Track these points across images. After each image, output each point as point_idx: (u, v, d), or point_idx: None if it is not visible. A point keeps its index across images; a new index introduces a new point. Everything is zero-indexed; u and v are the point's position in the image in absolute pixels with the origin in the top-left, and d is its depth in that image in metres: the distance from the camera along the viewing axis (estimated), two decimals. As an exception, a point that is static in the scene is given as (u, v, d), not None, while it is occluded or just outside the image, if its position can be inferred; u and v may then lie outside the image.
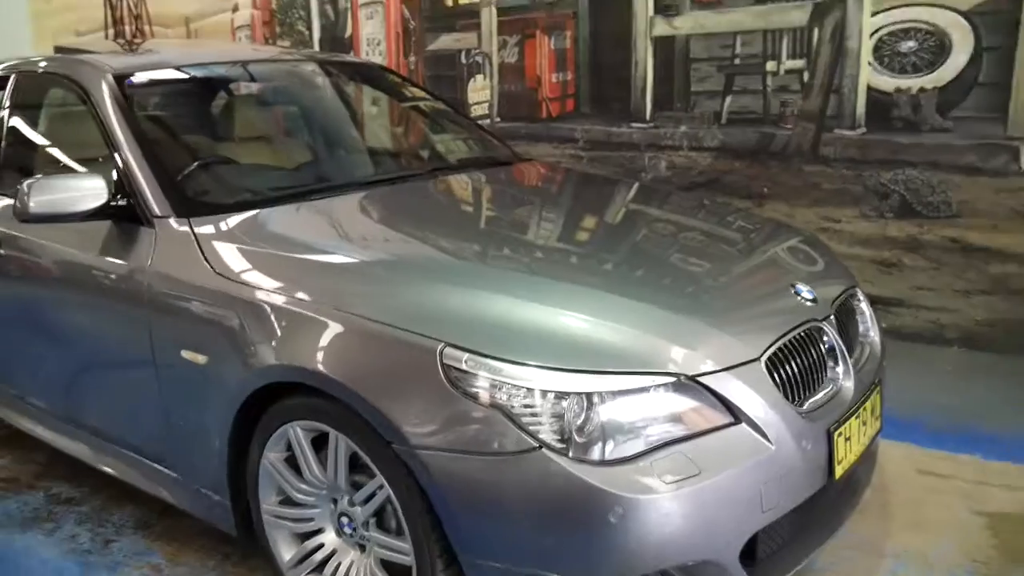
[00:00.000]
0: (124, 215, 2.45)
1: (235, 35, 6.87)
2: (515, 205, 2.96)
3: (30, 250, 2.74)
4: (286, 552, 2.19)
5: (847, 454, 2.03)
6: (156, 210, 2.40)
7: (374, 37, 6.01)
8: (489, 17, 5.40)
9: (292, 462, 2.11)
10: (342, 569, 2.09)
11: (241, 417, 2.13)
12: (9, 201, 2.92)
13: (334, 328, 1.93)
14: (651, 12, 4.74)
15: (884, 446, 2.53)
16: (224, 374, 2.13)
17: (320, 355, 1.92)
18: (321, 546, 2.13)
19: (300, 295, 2.03)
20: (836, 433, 1.98)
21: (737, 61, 4.51)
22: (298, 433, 2.03)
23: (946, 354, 3.90)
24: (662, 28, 4.72)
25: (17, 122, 3.14)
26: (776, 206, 4.32)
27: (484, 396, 1.73)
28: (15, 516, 2.86)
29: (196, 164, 2.80)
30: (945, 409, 3.28)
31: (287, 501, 2.17)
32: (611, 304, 2.00)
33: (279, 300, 2.05)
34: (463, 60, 5.59)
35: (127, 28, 7.38)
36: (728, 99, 4.55)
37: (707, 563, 1.77)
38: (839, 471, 2.00)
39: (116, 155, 2.55)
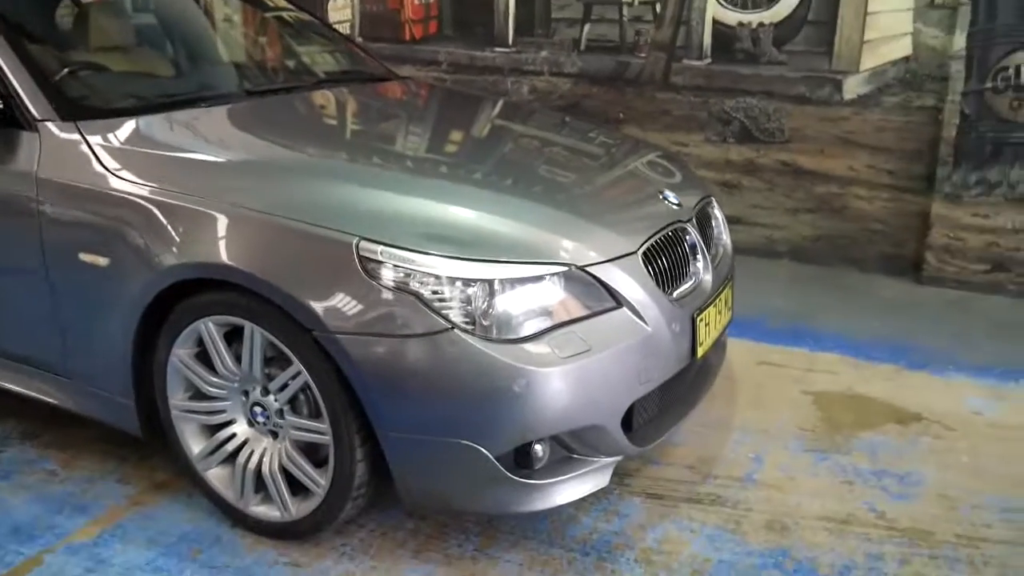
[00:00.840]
0: (4, 120, 2.39)
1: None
2: (399, 116, 3.09)
3: None
4: (196, 445, 2.29)
5: (706, 337, 2.34)
6: (38, 113, 2.36)
7: (227, -50, 5.78)
8: (350, -65, 5.34)
9: (201, 357, 2.20)
10: (255, 456, 2.21)
11: (147, 317, 2.19)
12: None
13: (250, 226, 2.02)
14: (513, -62, 4.86)
15: (729, 343, 2.89)
16: (129, 275, 2.17)
17: (239, 252, 2.01)
18: (232, 436, 2.24)
19: (212, 195, 2.10)
20: (699, 319, 2.28)
21: (595, -10, 4.72)
22: (211, 328, 2.12)
23: (778, 265, 4.38)
24: (524, -45, 4.85)
25: None
26: (631, 130, 4.62)
27: (398, 284, 1.89)
28: None
29: (71, 68, 2.74)
30: (778, 311, 3.73)
31: (196, 396, 2.25)
32: (506, 203, 2.21)
33: (190, 200, 2.10)
34: (324, -22, 5.51)
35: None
36: (587, 27, 4.77)
37: (594, 427, 2.03)
38: (700, 351, 2.31)
39: (-14, 57, 2.46)
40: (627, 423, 2.14)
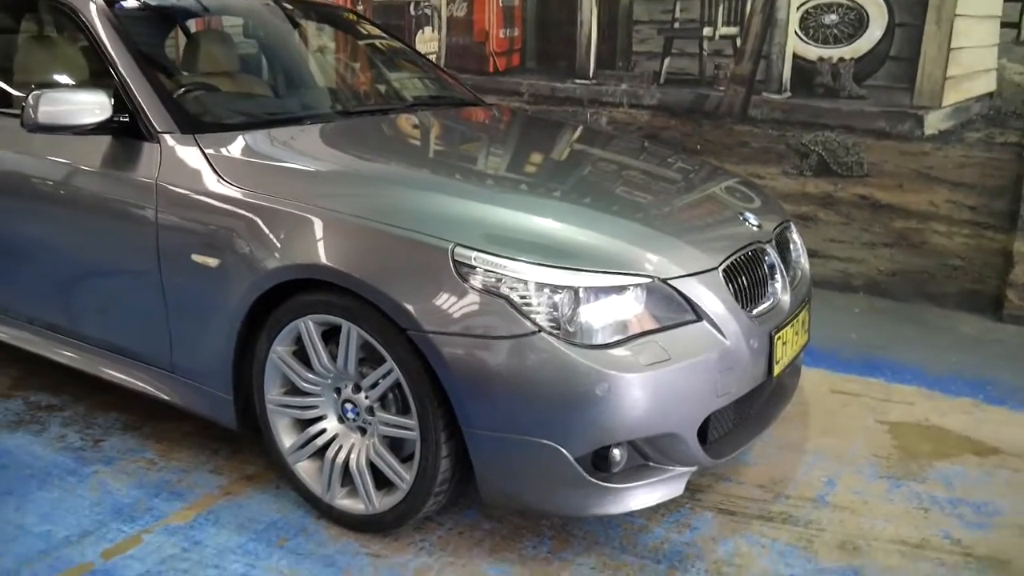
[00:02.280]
0: (126, 131, 2.59)
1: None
2: (485, 137, 3.22)
3: (25, 165, 2.84)
4: (287, 439, 2.42)
5: (783, 356, 2.39)
6: (160, 126, 2.56)
7: (321, -16, 6.07)
8: (439, -30, 5.57)
9: (299, 354, 2.33)
10: (343, 451, 2.33)
11: (250, 315, 2.34)
12: (1, 118, 3.03)
13: (352, 231, 2.16)
14: (597, -26, 5.01)
15: (803, 371, 2.91)
16: (236, 275, 2.33)
17: (338, 254, 2.15)
18: (323, 432, 2.37)
19: (313, 202, 2.25)
20: (776, 337, 2.32)
21: (676, 25, 4.83)
22: (310, 327, 2.25)
23: (854, 299, 4.36)
24: (607, -10, 4.99)
25: (5, 40, 3.20)
26: (708, 161, 4.68)
27: (489, 288, 2.00)
28: (-1, 420, 2.99)
29: (186, 87, 2.96)
30: (853, 343, 3.72)
31: (291, 391, 2.39)
32: (591, 217, 2.30)
33: (293, 206, 2.25)
34: (412, 12, 5.75)
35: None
36: (667, 60, 4.88)
37: (671, 435, 2.09)
38: (777, 369, 2.35)
39: (115, 74, 2.67)
40: (703, 435, 2.19)
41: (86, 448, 2.80)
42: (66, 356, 2.92)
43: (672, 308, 2.12)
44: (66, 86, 3.08)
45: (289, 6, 3.77)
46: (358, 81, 3.95)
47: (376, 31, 4.05)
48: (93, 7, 2.85)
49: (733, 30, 4.66)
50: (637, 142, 3.78)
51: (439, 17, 5.65)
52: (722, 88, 4.71)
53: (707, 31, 4.74)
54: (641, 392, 2.01)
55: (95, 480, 2.61)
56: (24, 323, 3.06)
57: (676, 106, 4.87)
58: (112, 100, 2.56)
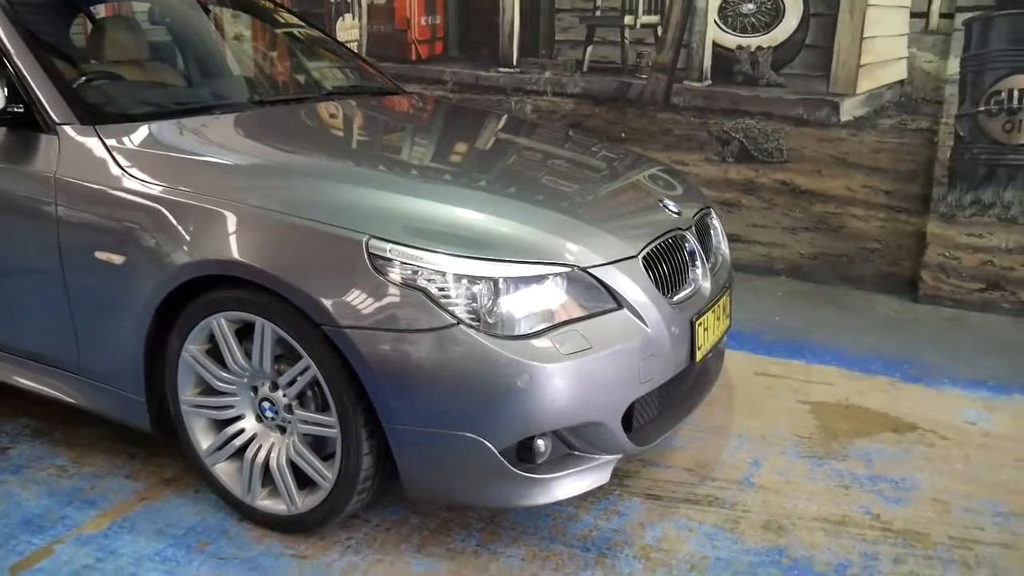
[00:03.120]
0: (21, 122, 2.46)
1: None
2: (405, 127, 3.17)
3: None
4: (204, 440, 2.34)
5: (705, 342, 2.40)
6: (57, 117, 2.44)
7: (237, -29, 5.91)
8: (359, -42, 5.47)
9: (212, 353, 2.25)
10: (263, 451, 2.26)
11: (160, 314, 2.25)
12: None
13: (263, 224, 2.09)
14: (518, -38, 4.98)
15: (727, 354, 2.95)
16: (143, 272, 2.23)
17: (250, 248, 2.08)
18: (241, 432, 2.29)
19: (223, 195, 2.17)
20: (697, 323, 2.33)
21: (598, 13, 4.83)
22: (223, 324, 2.18)
23: (776, 283, 4.44)
24: (529, -22, 4.97)
25: None
26: (632, 149, 4.70)
27: (407, 280, 1.96)
28: None
29: (88, 76, 2.83)
30: (776, 326, 3.79)
31: (206, 391, 2.31)
32: (511, 207, 2.28)
33: (202, 200, 2.17)
34: (331, -1, 5.63)
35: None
36: (589, 49, 4.88)
37: (595, 424, 2.09)
38: (699, 355, 2.36)
39: (8, 62, 2.53)
40: (627, 422, 2.19)
41: (-10, 458, 2.67)
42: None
43: (592, 297, 2.11)
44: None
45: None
46: (275, 70, 3.84)
47: (294, 19, 3.95)
48: (-15, -5, 2.70)
49: (654, 19, 4.68)
50: (561, 131, 3.77)
51: (359, 5, 5.54)
52: (644, 76, 4.73)
53: (628, 19, 4.75)
54: (563, 382, 1.99)
55: (2, 490, 2.49)
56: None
57: (599, 94, 4.88)
58: (5, 90, 2.43)
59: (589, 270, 2.10)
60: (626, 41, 4.77)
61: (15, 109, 2.44)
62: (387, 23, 5.46)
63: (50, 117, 2.43)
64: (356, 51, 5.55)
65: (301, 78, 3.64)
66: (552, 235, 2.16)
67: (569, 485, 2.14)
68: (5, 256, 2.55)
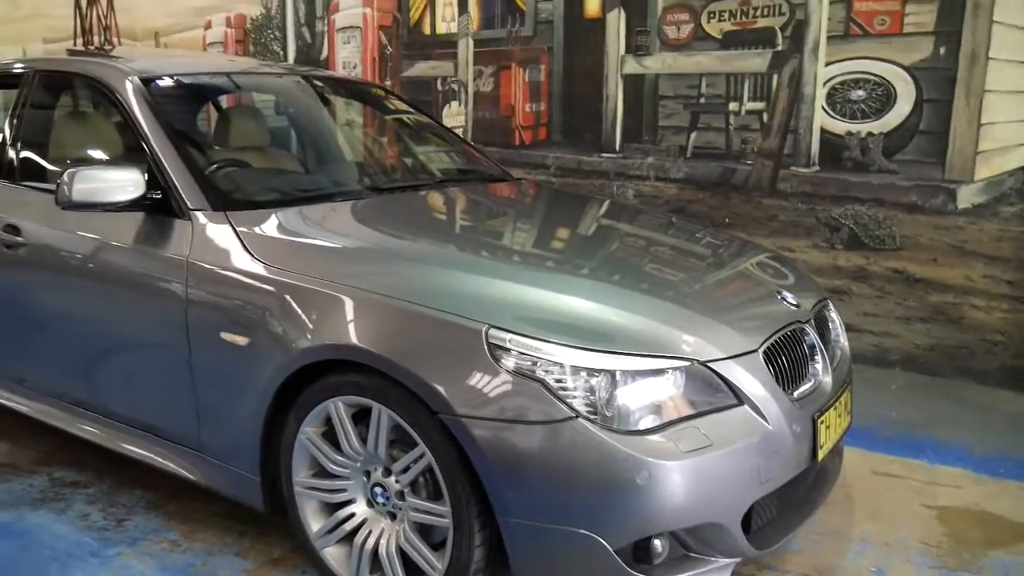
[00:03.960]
0: (158, 208, 2.60)
1: (207, 51, 6.98)
2: (517, 214, 3.21)
3: (56, 239, 2.85)
4: (315, 523, 2.35)
5: (827, 440, 2.30)
6: (191, 203, 2.56)
7: (350, 61, 6.21)
8: (466, 47, 5.67)
9: (328, 436, 2.28)
10: (372, 537, 2.26)
11: (279, 395, 2.29)
12: (30, 194, 3.06)
13: (383, 311, 2.13)
14: (623, 51, 5.07)
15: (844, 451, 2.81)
16: (265, 354, 2.29)
17: (368, 334, 2.11)
18: (351, 516, 2.30)
19: (344, 281, 2.22)
20: (819, 420, 2.24)
21: (702, 100, 4.86)
22: (340, 408, 2.20)
23: (890, 374, 4.26)
24: (632, 66, 5.05)
25: (38, 117, 3.25)
26: (738, 235, 4.65)
27: (524, 371, 1.95)
28: (22, 496, 2.94)
29: (217, 163, 2.98)
30: (893, 422, 3.62)
31: (320, 474, 2.33)
32: (624, 296, 2.26)
33: (324, 285, 2.23)
34: (439, 87, 5.83)
35: (95, 38, 7.43)
36: (693, 135, 4.89)
37: (713, 525, 2.01)
38: (821, 454, 2.26)
39: (149, 152, 2.70)
40: (746, 523, 2.10)
41: (109, 528, 2.74)
42: (90, 432, 2.89)
43: (712, 392, 2.06)
44: (100, 163, 3.11)
45: (319, 83, 3.83)
46: (388, 157, 3.98)
47: (404, 106, 4.09)
48: (129, 85, 2.89)
49: (759, 105, 4.67)
50: (665, 217, 3.76)
51: (466, 92, 5.72)
52: (749, 162, 4.70)
53: (733, 106, 4.75)
54: (682, 480, 1.93)
55: (118, 562, 2.54)
56: (50, 398, 3.04)
57: (703, 179, 4.87)
58: (145, 177, 2.57)
59: (709, 364, 2.06)
60: (731, 127, 4.76)
61: (153, 195, 2.57)
62: (492, 110, 5.62)
63: (185, 203, 2.56)
64: (462, 137, 5.73)
65: (414, 165, 3.75)
66: (668, 327, 2.13)
67: (684, 588, 2.06)
68: (133, 331, 2.67)
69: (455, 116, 5.77)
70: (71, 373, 2.92)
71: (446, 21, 5.72)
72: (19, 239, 2.94)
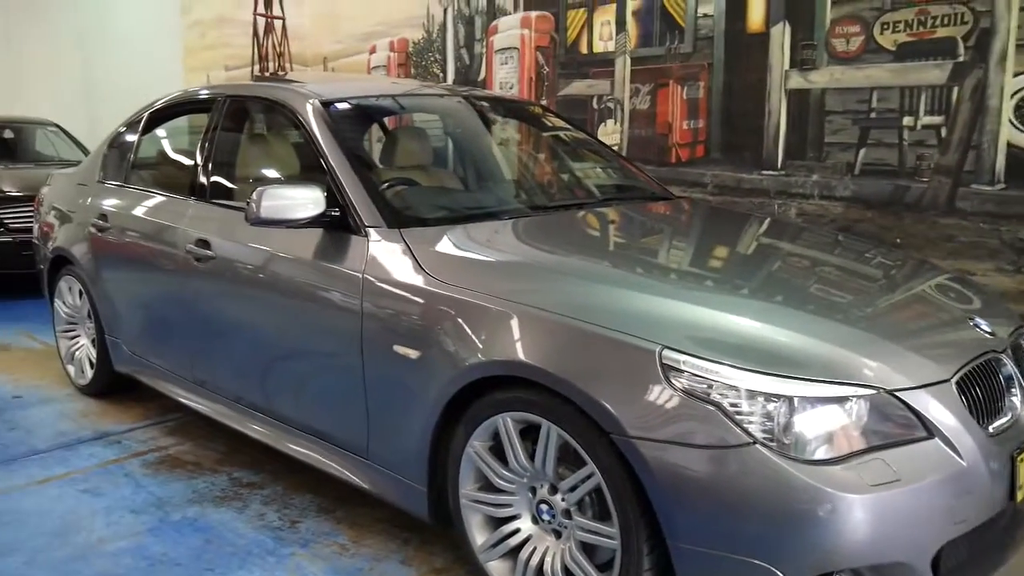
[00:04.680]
0: (336, 225, 2.72)
1: (370, 74, 7.30)
2: (681, 232, 3.16)
3: (241, 253, 3.04)
4: (480, 536, 2.38)
5: (1026, 480, 2.13)
6: (368, 220, 2.67)
7: (507, 81, 6.33)
8: (623, 65, 5.66)
9: (495, 450, 2.31)
10: (537, 554, 2.26)
11: (448, 407, 2.34)
12: (218, 211, 3.28)
13: (552, 328, 2.14)
14: (787, 65, 4.92)
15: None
16: (436, 367, 2.35)
17: (542, 353, 2.12)
18: (516, 531, 2.31)
19: (514, 298, 2.25)
20: (1019, 458, 2.08)
21: (873, 115, 4.63)
22: (508, 424, 2.23)
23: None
24: (797, 81, 4.88)
25: (227, 139, 3.48)
26: (912, 255, 4.40)
27: (700, 394, 1.90)
28: (205, 494, 3.13)
29: (388, 182, 3.09)
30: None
31: (486, 487, 2.36)
32: (799, 318, 2.16)
33: (495, 302, 2.26)
34: (595, 105, 5.85)
35: (271, 65, 7.91)
36: (862, 151, 4.67)
37: (900, 565, 1.89)
38: (1020, 495, 2.09)
39: (328, 171, 2.83)
40: (935, 565, 1.96)
41: (283, 528, 2.87)
42: (264, 434, 3.05)
43: (900, 423, 1.94)
44: (281, 182, 3.29)
45: (480, 102, 3.91)
46: (548, 174, 4.01)
47: (561, 123, 4.12)
48: (310, 107, 3.06)
49: (937, 119, 4.41)
50: (831, 235, 3.60)
51: (622, 110, 5.71)
52: (925, 179, 4.44)
53: (908, 121, 4.50)
54: (867, 515, 1.83)
55: (292, 562, 2.67)
56: (228, 400, 3.24)
57: (872, 198, 4.63)
58: (325, 195, 2.69)
59: (896, 393, 1.95)
60: (904, 142, 4.52)
61: (333, 213, 2.70)
62: (649, 127, 5.57)
63: (361, 220, 2.67)
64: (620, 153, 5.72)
65: (574, 182, 3.76)
66: (850, 351, 2.02)
67: (865, 630, 1.94)
68: (309, 341, 2.80)
69: (610, 134, 5.77)
70: (249, 377, 3.10)
71: (603, 40, 5.74)
72: (209, 253, 3.15)
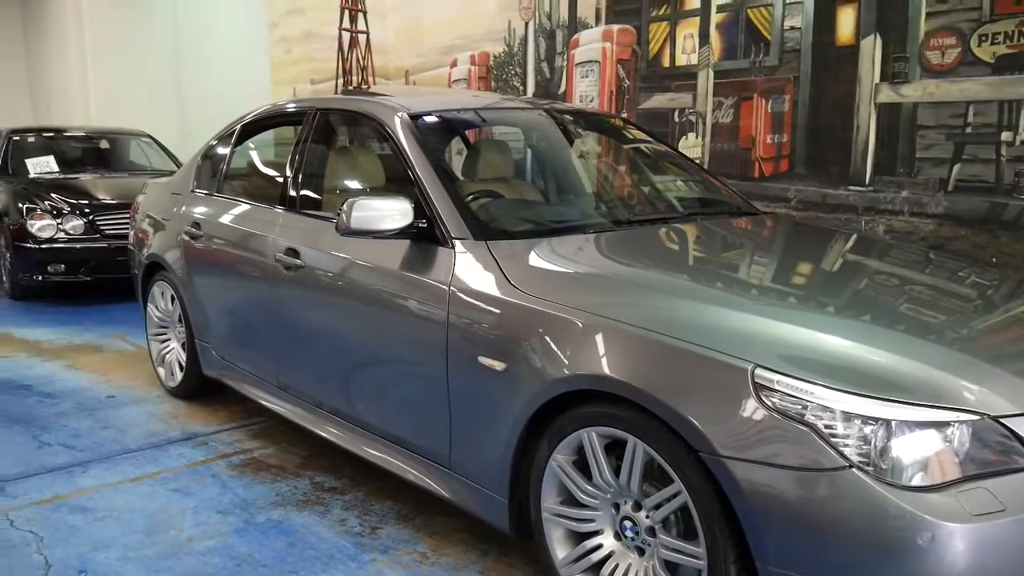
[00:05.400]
0: (423, 236, 2.76)
1: (451, 87, 7.39)
2: (768, 248, 3.10)
3: (330, 263, 3.10)
4: (561, 551, 2.37)
5: None
6: (455, 232, 2.70)
7: (588, 94, 6.33)
8: (706, 78, 5.61)
9: (579, 465, 2.30)
10: (620, 571, 2.24)
11: (532, 420, 2.35)
12: (308, 220, 3.36)
13: (639, 344, 2.12)
14: (877, 79, 4.80)
15: None
16: (521, 380, 2.36)
17: (629, 368, 2.11)
18: (599, 547, 2.30)
19: (601, 312, 2.24)
20: None
21: (968, 130, 4.48)
22: (593, 438, 2.22)
23: None
24: (888, 95, 4.76)
25: (316, 151, 3.57)
26: (1010, 275, 4.23)
27: (793, 415, 1.86)
28: (288, 497, 3.20)
29: (473, 195, 3.12)
30: None
31: (568, 501, 2.35)
32: (897, 338, 2.10)
33: (581, 316, 2.26)
34: (676, 118, 5.80)
35: (354, 78, 8.08)
36: (956, 167, 4.52)
37: (1004, 601, 1.81)
38: None
39: (416, 183, 2.87)
40: (1040, 603, 1.88)
41: (364, 534, 2.91)
42: (347, 440, 3.10)
43: (1003, 451, 1.87)
44: (369, 193, 3.35)
45: (561, 115, 3.91)
46: (631, 188, 3.99)
47: (643, 135, 4.09)
48: (398, 120, 3.11)
49: (1038, 134, 4.24)
50: (922, 253, 3.49)
51: (703, 123, 5.65)
52: (1023, 197, 4.27)
53: (1006, 136, 4.34)
54: (970, 546, 1.76)
55: (373, 568, 2.70)
56: (310, 405, 3.30)
57: (966, 215, 4.48)
58: (413, 207, 2.73)
59: (1001, 419, 1.87)
60: (1002, 158, 4.36)
61: (420, 224, 2.74)
62: (731, 141, 5.50)
63: (448, 232, 2.70)
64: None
65: (656, 197, 3.74)
66: (949, 374, 1.96)
67: (962, 667, 1.87)
68: (394, 349, 2.84)
69: (691, 148, 5.71)
70: (332, 383, 3.16)
71: (686, 53, 5.70)
72: (298, 262, 3.23)
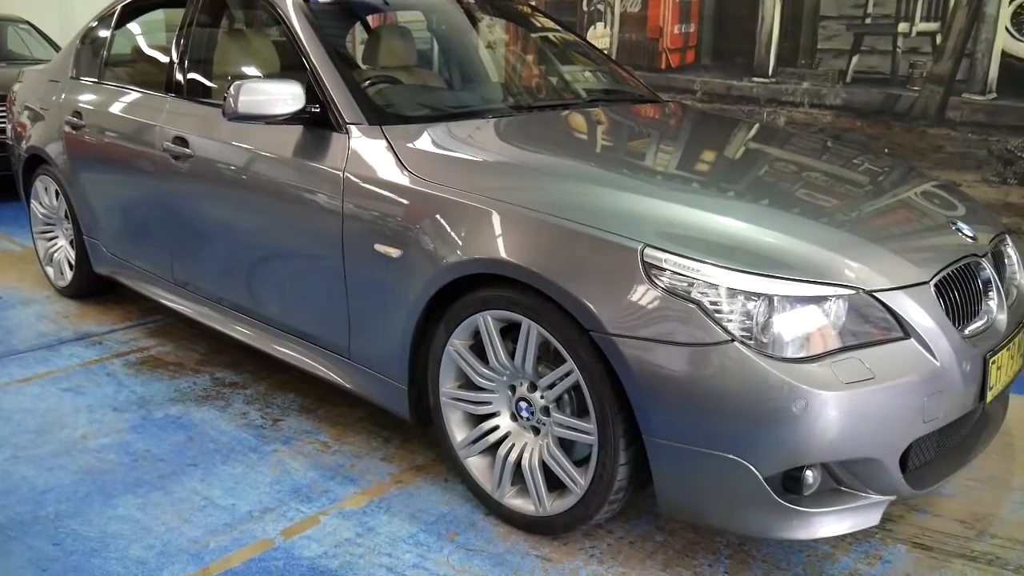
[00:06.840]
0: (317, 121, 2.66)
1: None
2: (666, 134, 3.11)
3: (220, 151, 2.97)
4: (459, 433, 2.41)
5: (997, 382, 2.16)
6: (348, 117, 2.61)
7: (495, -19, 6.12)
8: (614, -34, 5.49)
9: (475, 349, 2.32)
10: (515, 450, 2.30)
11: (429, 306, 2.34)
12: (196, 107, 3.20)
13: (535, 227, 2.11)
14: (782, -32, 4.78)
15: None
16: (417, 266, 2.34)
17: (523, 250, 2.11)
18: (495, 428, 2.34)
19: (497, 196, 2.22)
20: (991, 360, 2.10)
21: (868, 21, 4.54)
22: (489, 322, 2.23)
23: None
24: (792, -16, 4.76)
25: (203, 35, 3.37)
26: (900, 163, 4.37)
27: (680, 292, 1.90)
28: (188, 393, 3.15)
29: (370, 80, 3.02)
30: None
31: (465, 385, 2.38)
32: (782, 219, 2.15)
33: (478, 200, 2.23)
34: (584, 7, 5.70)
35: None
36: (855, 58, 4.59)
37: (870, 461, 1.93)
38: (989, 396, 2.13)
39: (308, 66, 2.75)
40: (903, 462, 2.01)
41: (265, 427, 2.90)
42: (247, 335, 3.05)
43: (876, 323, 1.95)
44: (261, 77, 3.20)
45: (469, 1, 3.79)
46: (533, 75, 3.92)
47: (550, 23, 4.01)
48: (291, 1, 2.95)
49: (933, 26, 4.33)
50: (820, 141, 3.55)
51: (612, 13, 5.57)
52: (916, 88, 4.39)
53: (903, 27, 4.42)
54: (840, 412, 1.85)
55: (274, 459, 2.70)
56: (210, 301, 3.22)
57: (863, 106, 4.58)
58: (304, 91, 2.62)
59: (874, 294, 1.95)
60: (898, 50, 4.44)
61: (312, 109, 2.63)
62: (639, 31, 5.45)
63: (342, 117, 2.61)
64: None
65: (560, 83, 3.68)
66: (832, 253, 2.02)
67: (833, 523, 2.00)
68: (289, 240, 2.77)
69: (599, 38, 5.63)
70: (230, 279, 3.07)
71: (594, -62, 5.55)
72: (187, 151, 3.09)
